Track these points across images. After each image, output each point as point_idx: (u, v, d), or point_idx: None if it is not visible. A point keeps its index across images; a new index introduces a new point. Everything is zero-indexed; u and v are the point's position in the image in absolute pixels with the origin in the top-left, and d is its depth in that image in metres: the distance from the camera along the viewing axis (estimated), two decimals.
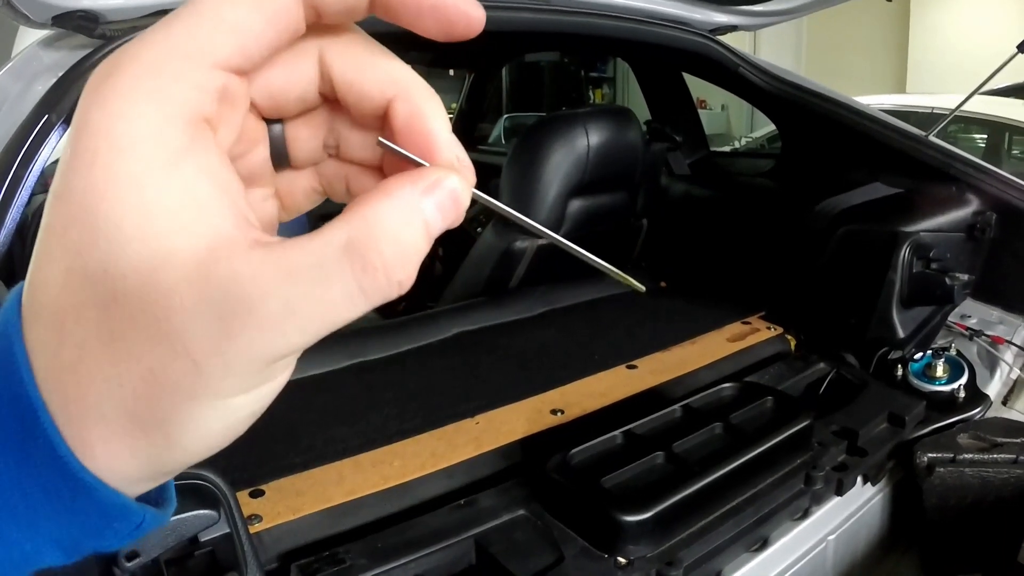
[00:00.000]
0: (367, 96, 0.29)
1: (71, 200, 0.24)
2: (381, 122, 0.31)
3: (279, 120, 0.31)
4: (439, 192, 0.27)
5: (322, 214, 0.36)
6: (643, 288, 0.38)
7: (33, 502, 0.26)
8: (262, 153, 0.31)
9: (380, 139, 0.30)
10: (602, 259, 0.35)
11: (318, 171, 0.34)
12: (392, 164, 0.32)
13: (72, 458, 0.25)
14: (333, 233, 0.25)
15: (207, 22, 0.25)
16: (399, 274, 0.25)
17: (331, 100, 0.31)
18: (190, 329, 0.24)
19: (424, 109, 0.29)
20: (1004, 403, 1.62)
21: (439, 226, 0.27)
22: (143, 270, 0.24)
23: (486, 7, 0.28)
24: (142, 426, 0.25)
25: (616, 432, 1.33)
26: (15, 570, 0.27)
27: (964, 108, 1.97)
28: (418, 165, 0.29)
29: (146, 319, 0.24)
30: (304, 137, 0.32)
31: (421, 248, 0.26)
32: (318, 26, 0.28)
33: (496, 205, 0.33)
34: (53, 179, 0.25)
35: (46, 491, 0.26)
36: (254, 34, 0.26)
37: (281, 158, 0.32)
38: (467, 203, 0.29)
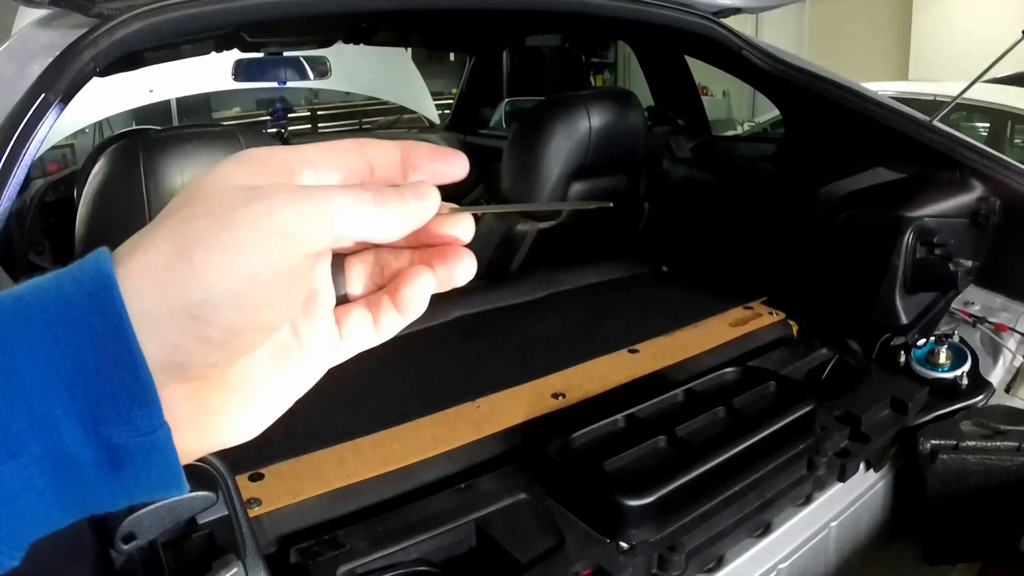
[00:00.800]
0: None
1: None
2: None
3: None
4: (417, 187, 0.40)
5: None
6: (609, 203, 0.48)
7: (81, 360, 0.31)
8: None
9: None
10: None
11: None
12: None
13: (128, 323, 0.31)
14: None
15: (339, 212, 0.36)
16: (391, 191, 0.38)
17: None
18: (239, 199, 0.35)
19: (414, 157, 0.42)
20: (1007, 390, 1.61)
21: (415, 197, 0.39)
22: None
23: None
24: (174, 232, 0.33)
25: (618, 416, 1.32)
26: (37, 433, 0.30)
27: (967, 96, 1.95)
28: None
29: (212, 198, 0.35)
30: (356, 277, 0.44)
31: (423, 200, 0.39)
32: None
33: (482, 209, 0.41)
34: None
35: (95, 350, 0.31)
36: (357, 204, 0.36)
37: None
38: (435, 203, 0.40)
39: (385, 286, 0.43)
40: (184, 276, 0.32)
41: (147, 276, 0.32)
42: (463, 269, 0.41)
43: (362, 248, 0.42)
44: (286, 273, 0.34)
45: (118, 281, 0.32)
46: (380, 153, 0.40)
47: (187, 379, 0.35)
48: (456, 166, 0.41)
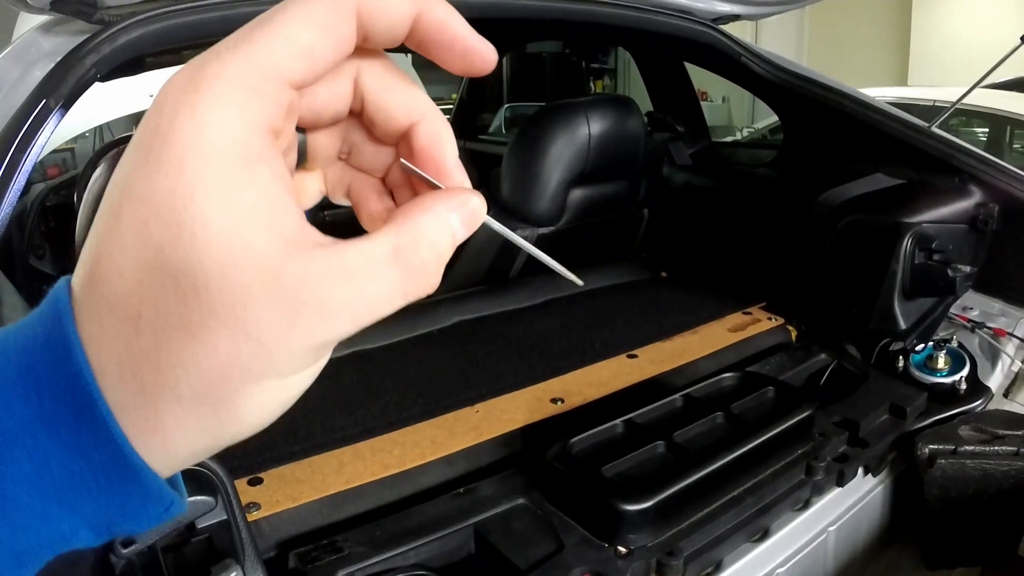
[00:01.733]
0: (393, 117, 0.34)
1: (153, 200, 0.27)
2: (397, 140, 0.35)
3: (303, 129, 0.35)
4: (464, 209, 0.32)
5: (321, 207, 0.39)
6: (581, 283, 0.41)
7: (81, 484, 0.28)
8: (292, 158, 0.34)
9: (403, 161, 0.34)
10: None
11: (324, 173, 0.38)
12: (399, 178, 0.37)
13: (126, 443, 0.28)
14: (382, 239, 0.29)
15: (284, 43, 0.28)
16: (434, 277, 0.30)
17: (354, 113, 0.35)
18: (264, 319, 0.27)
19: (442, 136, 0.34)
20: (1005, 395, 1.61)
21: (461, 236, 0.32)
22: (225, 264, 0.26)
23: None
24: (213, 404, 0.28)
25: (617, 421, 1.33)
26: (47, 548, 0.29)
27: (965, 101, 1.96)
28: (432, 186, 0.34)
29: (224, 309, 0.27)
30: (323, 144, 0.36)
31: (449, 254, 0.31)
32: (357, 49, 0.32)
33: (502, 230, 0.38)
34: (119, 181, 0.28)
35: (95, 473, 0.28)
36: (323, 56, 0.29)
37: (300, 160, 0.36)
38: (482, 219, 0.33)
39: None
40: (228, 432, 0.29)
41: (186, 445, 0.29)
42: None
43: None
44: (322, 365, 0.32)
45: (145, 455, 0.28)
46: (385, 16, 0.31)
47: None
48: (481, 63, 0.33)
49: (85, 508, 0.28)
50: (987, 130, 5.19)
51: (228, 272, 0.27)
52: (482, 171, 2.98)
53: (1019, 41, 1.77)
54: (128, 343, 0.27)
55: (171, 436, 0.28)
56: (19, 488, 0.27)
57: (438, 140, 0.34)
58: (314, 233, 0.29)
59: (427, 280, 0.30)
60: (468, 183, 0.35)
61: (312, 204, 0.38)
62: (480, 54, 0.32)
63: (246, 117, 0.28)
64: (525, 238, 2.07)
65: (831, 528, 1.35)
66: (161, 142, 0.27)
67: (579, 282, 0.41)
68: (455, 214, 0.31)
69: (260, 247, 0.27)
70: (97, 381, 0.27)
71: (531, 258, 1.66)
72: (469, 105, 3.79)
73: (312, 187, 0.37)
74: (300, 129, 0.34)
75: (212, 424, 0.28)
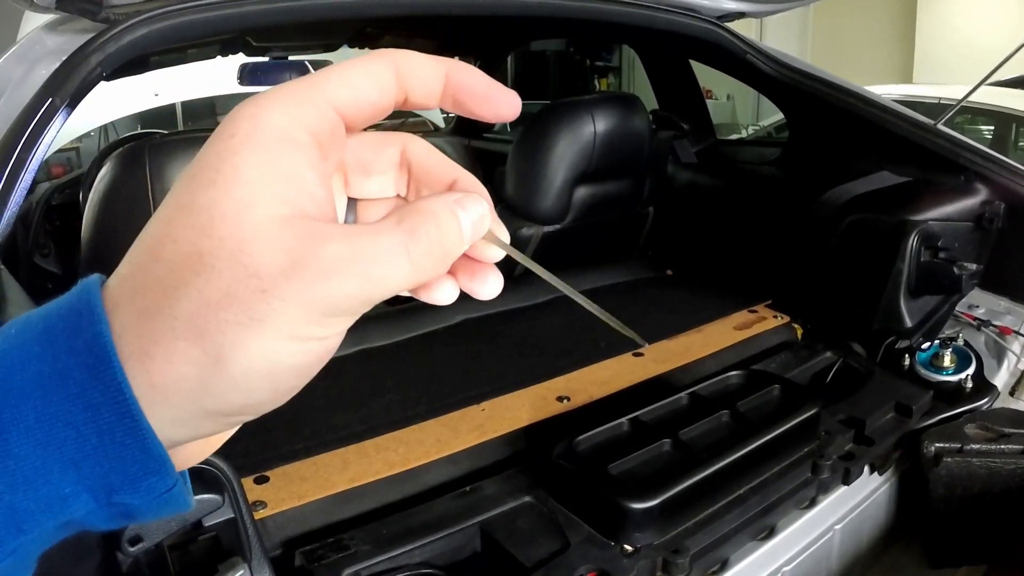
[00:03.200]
0: (435, 177, 0.38)
1: (203, 158, 0.31)
2: None
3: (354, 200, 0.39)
4: (470, 203, 0.34)
5: None
6: (645, 344, 0.43)
7: (84, 440, 0.29)
8: (332, 172, 0.36)
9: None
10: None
11: None
12: None
13: (133, 399, 0.29)
14: (389, 216, 0.33)
15: (334, 78, 0.33)
16: (441, 252, 0.32)
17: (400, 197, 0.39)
18: (266, 259, 0.29)
19: (478, 188, 0.37)
20: (1011, 394, 1.61)
21: (470, 230, 0.34)
22: (243, 207, 0.29)
23: None
24: (202, 337, 0.29)
25: (622, 419, 1.32)
26: (46, 511, 0.29)
27: (971, 99, 1.95)
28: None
29: (232, 244, 0.29)
30: (373, 214, 0.39)
31: (456, 237, 0.33)
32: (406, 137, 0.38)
33: (528, 262, 0.41)
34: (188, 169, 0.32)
35: (99, 430, 0.29)
36: (364, 92, 0.34)
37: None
38: (487, 226, 0.35)
39: None
40: (221, 387, 0.30)
41: (178, 388, 0.29)
42: (489, 288, 0.38)
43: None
44: (331, 349, 0.33)
45: (138, 390, 0.29)
46: (420, 80, 0.35)
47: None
48: (509, 107, 0.36)
49: (86, 466, 0.29)
50: (992, 128, 5.18)
51: (243, 215, 0.29)
52: (487, 169, 2.98)
53: None
54: (145, 270, 0.30)
55: (159, 368, 0.29)
56: (22, 442, 0.28)
57: (476, 189, 0.37)
58: (334, 219, 0.33)
59: (433, 252, 0.32)
60: (506, 235, 0.38)
61: None
62: (505, 101, 0.36)
63: (293, 117, 0.32)
64: (531, 236, 2.08)
65: (837, 526, 1.35)
66: (223, 124, 0.32)
67: (644, 344, 0.44)
68: (461, 207, 0.34)
69: (278, 204, 0.30)
70: (113, 333, 0.29)
71: (536, 256, 1.65)
72: None
73: None
74: (352, 200, 0.39)
75: (200, 364, 0.29)
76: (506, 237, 0.38)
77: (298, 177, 0.31)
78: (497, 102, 0.36)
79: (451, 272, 0.37)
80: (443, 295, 0.38)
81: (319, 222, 0.31)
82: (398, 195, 0.39)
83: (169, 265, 0.29)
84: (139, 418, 0.29)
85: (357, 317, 0.32)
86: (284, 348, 0.30)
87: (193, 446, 0.36)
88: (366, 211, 0.39)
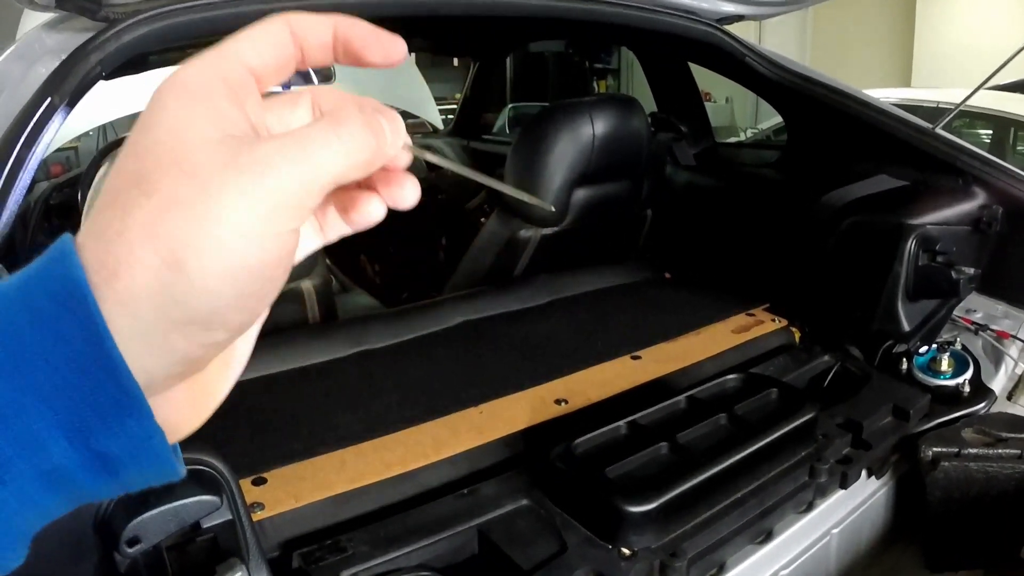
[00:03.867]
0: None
1: (142, 116, 0.34)
2: None
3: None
4: (386, 110, 0.38)
5: None
6: (551, 208, 0.47)
7: (55, 372, 0.29)
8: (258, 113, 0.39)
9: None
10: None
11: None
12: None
13: (104, 327, 0.30)
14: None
15: (238, 39, 0.36)
16: (365, 132, 0.35)
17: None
18: (201, 161, 0.31)
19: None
20: (1009, 398, 1.61)
21: (389, 129, 0.37)
22: (178, 128, 0.32)
23: None
24: (157, 244, 0.30)
25: (620, 422, 1.32)
26: (21, 453, 0.29)
27: (969, 103, 1.95)
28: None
29: (172, 156, 0.31)
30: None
31: (378, 127, 0.36)
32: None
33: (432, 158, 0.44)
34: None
35: (70, 360, 0.29)
36: (265, 47, 0.37)
37: None
38: (403, 134, 0.38)
39: None
40: (183, 292, 0.30)
41: (142, 298, 0.30)
42: (408, 194, 0.41)
43: None
44: (289, 251, 0.33)
45: (106, 312, 0.30)
46: (311, 34, 0.38)
47: (191, 375, 0.35)
48: (396, 51, 0.39)
49: (59, 402, 0.29)
50: (991, 132, 5.19)
51: (178, 137, 0.32)
52: (485, 170, 2.97)
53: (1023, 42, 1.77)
54: (100, 209, 0.32)
55: (123, 283, 0.30)
56: None
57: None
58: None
59: (361, 135, 0.35)
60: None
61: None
62: (392, 44, 0.39)
63: (206, 70, 0.34)
64: (529, 238, 2.08)
65: (834, 530, 1.35)
66: (153, 93, 0.34)
67: (549, 207, 0.51)
68: (380, 112, 0.37)
69: (208, 127, 0.32)
70: (108, 311, 0.30)
71: (534, 258, 1.65)
72: (473, 105, 3.78)
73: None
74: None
75: (158, 269, 0.30)
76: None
77: (221, 109, 0.33)
78: (384, 46, 0.39)
79: (371, 188, 0.41)
80: (372, 212, 0.41)
81: (251, 134, 0.34)
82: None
83: (116, 193, 0.31)
84: (110, 347, 0.30)
85: (307, 212, 0.34)
86: (237, 244, 0.31)
87: (178, 401, 0.36)
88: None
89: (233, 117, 0.34)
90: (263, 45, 0.37)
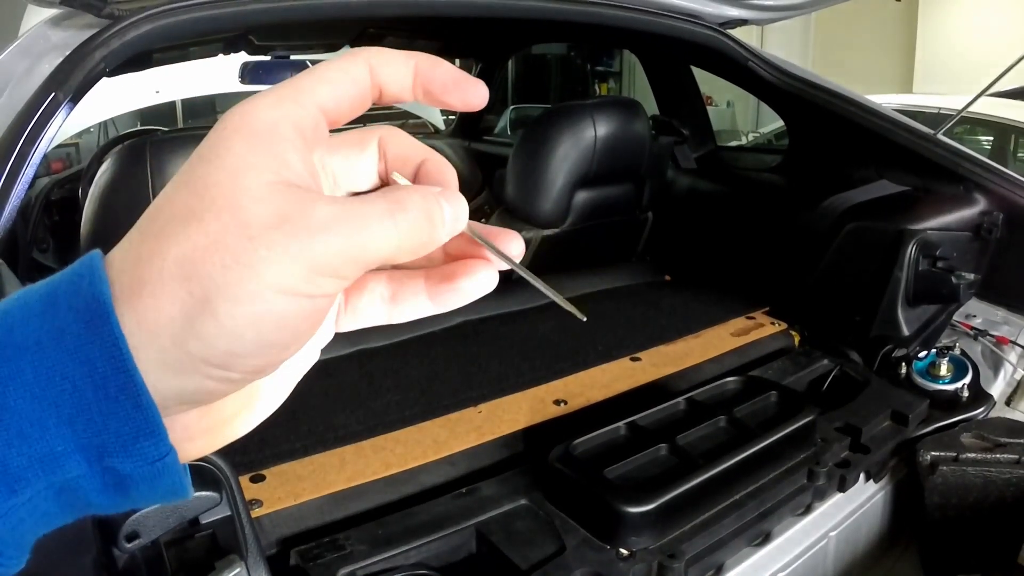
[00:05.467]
0: (411, 154, 0.40)
1: (200, 150, 0.33)
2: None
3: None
4: (452, 196, 0.36)
5: None
6: (583, 317, 0.45)
7: (79, 396, 0.29)
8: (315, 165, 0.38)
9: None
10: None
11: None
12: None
13: (129, 355, 0.29)
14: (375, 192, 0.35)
15: (315, 78, 0.36)
16: (423, 219, 0.34)
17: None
18: (254, 211, 0.30)
19: (443, 165, 0.40)
20: (1008, 403, 1.61)
21: (451, 218, 0.36)
22: (236, 175, 0.31)
23: None
24: (190, 280, 0.30)
25: (619, 423, 1.33)
26: (38, 469, 0.29)
27: (971, 109, 1.96)
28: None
29: (222, 202, 0.31)
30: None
31: (439, 214, 0.35)
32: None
33: (520, 268, 0.41)
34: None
35: (94, 385, 0.29)
36: (342, 89, 0.36)
37: None
38: (462, 225, 0.37)
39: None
40: (206, 331, 0.30)
41: (164, 327, 0.30)
42: (487, 280, 0.40)
43: None
44: (320, 312, 0.33)
45: (126, 330, 0.30)
46: (392, 75, 0.37)
47: (205, 404, 0.35)
48: (477, 95, 0.38)
49: (80, 422, 0.29)
50: (991, 138, 5.19)
51: (235, 180, 0.31)
52: (487, 171, 2.98)
53: None
54: (141, 232, 0.32)
55: (147, 306, 0.30)
56: (19, 396, 0.29)
57: (443, 168, 0.39)
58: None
59: (418, 222, 0.34)
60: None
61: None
62: (473, 89, 0.38)
63: (279, 112, 0.34)
64: (530, 239, 2.08)
65: (832, 534, 1.35)
66: (218, 122, 0.34)
67: (582, 317, 0.45)
68: (444, 199, 0.36)
69: (268, 173, 0.32)
70: (111, 290, 0.30)
71: (535, 259, 1.65)
72: None
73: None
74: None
75: (187, 304, 0.30)
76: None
77: (285, 159, 0.33)
78: (465, 91, 0.38)
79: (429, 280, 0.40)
80: (414, 310, 0.41)
81: (308, 190, 0.33)
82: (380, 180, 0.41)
83: (163, 223, 0.31)
84: (133, 373, 0.29)
85: (346, 283, 0.33)
86: (270, 297, 0.30)
87: (192, 428, 0.36)
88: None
89: (296, 168, 0.33)
90: (342, 87, 0.36)
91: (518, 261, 0.40)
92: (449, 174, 0.39)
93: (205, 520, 0.89)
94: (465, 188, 0.41)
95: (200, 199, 0.31)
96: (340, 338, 0.43)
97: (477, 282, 0.40)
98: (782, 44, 8.30)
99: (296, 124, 0.34)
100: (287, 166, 0.33)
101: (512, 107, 6.34)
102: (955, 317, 1.78)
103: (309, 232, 0.31)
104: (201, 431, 0.37)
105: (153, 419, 0.30)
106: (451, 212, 0.36)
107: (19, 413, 0.29)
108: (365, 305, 0.41)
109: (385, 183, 0.40)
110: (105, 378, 0.29)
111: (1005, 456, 1.38)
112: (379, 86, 0.37)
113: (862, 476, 1.39)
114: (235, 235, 0.30)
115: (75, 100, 1.14)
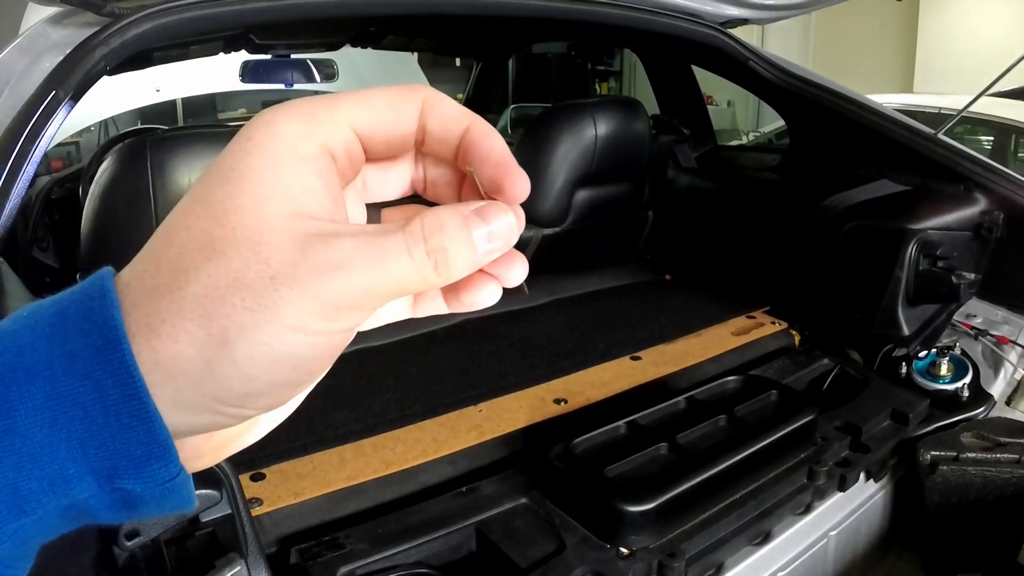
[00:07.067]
0: (453, 124, 0.36)
1: (221, 162, 0.32)
2: (455, 152, 0.37)
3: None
4: (491, 214, 0.33)
5: None
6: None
7: (91, 421, 0.29)
8: (342, 187, 0.36)
9: (468, 169, 0.36)
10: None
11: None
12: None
13: (141, 381, 0.29)
14: (397, 223, 0.32)
15: (355, 99, 0.34)
16: (445, 258, 0.32)
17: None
18: (276, 247, 0.30)
19: (487, 130, 0.36)
20: (1008, 403, 1.61)
21: (487, 243, 0.33)
22: (259, 202, 0.30)
23: None
24: (208, 319, 0.29)
25: (620, 422, 1.33)
26: (49, 492, 0.29)
27: (972, 109, 1.95)
28: (480, 194, 0.36)
29: (244, 233, 0.30)
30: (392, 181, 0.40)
31: (462, 249, 0.32)
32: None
33: None
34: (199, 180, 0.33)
35: (106, 411, 0.29)
36: (383, 116, 0.34)
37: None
38: (514, 236, 0.34)
39: None
40: (224, 372, 0.30)
41: (181, 369, 0.30)
42: (518, 273, 0.37)
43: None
44: (336, 348, 0.32)
45: (143, 368, 0.29)
46: (442, 123, 0.35)
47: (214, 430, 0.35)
48: (522, 185, 0.35)
49: (91, 447, 0.29)
50: (992, 138, 5.19)
51: (257, 209, 0.30)
52: None
53: None
54: (158, 256, 0.31)
55: (164, 346, 0.29)
56: (30, 421, 0.29)
57: (489, 136, 0.36)
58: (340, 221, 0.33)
59: (434, 251, 0.32)
60: (520, 173, 0.36)
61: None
62: (520, 176, 0.35)
63: (308, 127, 0.32)
64: (530, 238, 2.08)
65: (832, 533, 1.35)
66: (242, 130, 0.33)
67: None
68: (475, 223, 0.33)
69: (291, 203, 0.31)
70: (123, 313, 0.30)
71: (536, 258, 1.65)
72: (475, 105, 3.78)
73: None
74: (372, 209, 0.39)
75: (205, 345, 0.29)
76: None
77: (308, 185, 0.32)
78: (511, 174, 0.35)
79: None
80: (431, 308, 0.40)
81: (330, 223, 0.31)
82: (415, 192, 0.39)
83: (181, 250, 0.30)
84: (146, 400, 0.29)
85: (365, 317, 0.32)
86: (288, 338, 0.30)
87: (201, 448, 0.36)
88: (388, 219, 0.39)
89: (318, 195, 0.32)
90: (382, 111, 0.34)
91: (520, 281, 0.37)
92: (498, 144, 0.36)
93: (205, 518, 0.89)
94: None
95: (221, 227, 0.30)
96: None
97: (487, 294, 0.38)
98: (782, 44, 8.30)
99: (324, 142, 0.33)
100: (310, 193, 0.32)
101: (512, 106, 6.33)
102: (955, 317, 1.78)
103: (330, 269, 0.30)
104: (208, 449, 0.37)
105: (164, 443, 0.30)
106: (483, 236, 0.33)
107: (30, 437, 0.29)
108: (390, 305, 0.40)
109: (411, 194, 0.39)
110: (117, 405, 0.29)
111: (1005, 456, 1.38)
112: (424, 127, 0.35)
113: (862, 475, 1.39)
114: (256, 274, 0.30)
115: (75, 98, 1.14)
